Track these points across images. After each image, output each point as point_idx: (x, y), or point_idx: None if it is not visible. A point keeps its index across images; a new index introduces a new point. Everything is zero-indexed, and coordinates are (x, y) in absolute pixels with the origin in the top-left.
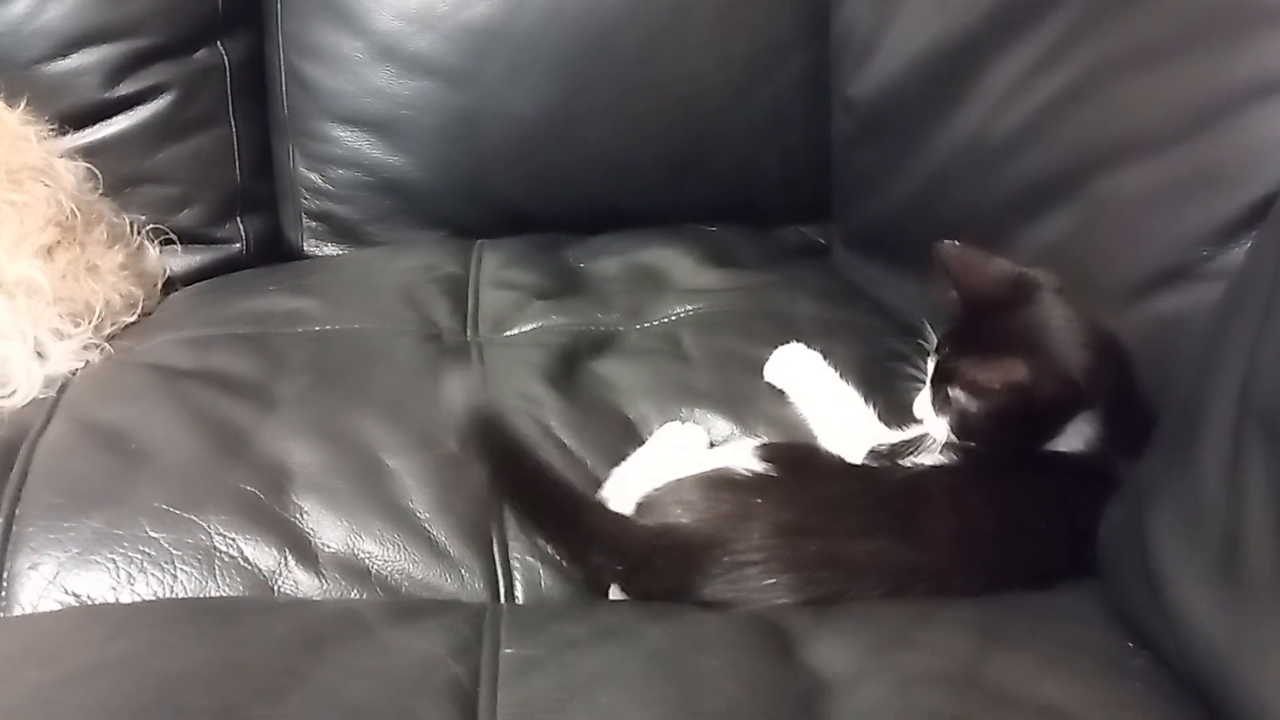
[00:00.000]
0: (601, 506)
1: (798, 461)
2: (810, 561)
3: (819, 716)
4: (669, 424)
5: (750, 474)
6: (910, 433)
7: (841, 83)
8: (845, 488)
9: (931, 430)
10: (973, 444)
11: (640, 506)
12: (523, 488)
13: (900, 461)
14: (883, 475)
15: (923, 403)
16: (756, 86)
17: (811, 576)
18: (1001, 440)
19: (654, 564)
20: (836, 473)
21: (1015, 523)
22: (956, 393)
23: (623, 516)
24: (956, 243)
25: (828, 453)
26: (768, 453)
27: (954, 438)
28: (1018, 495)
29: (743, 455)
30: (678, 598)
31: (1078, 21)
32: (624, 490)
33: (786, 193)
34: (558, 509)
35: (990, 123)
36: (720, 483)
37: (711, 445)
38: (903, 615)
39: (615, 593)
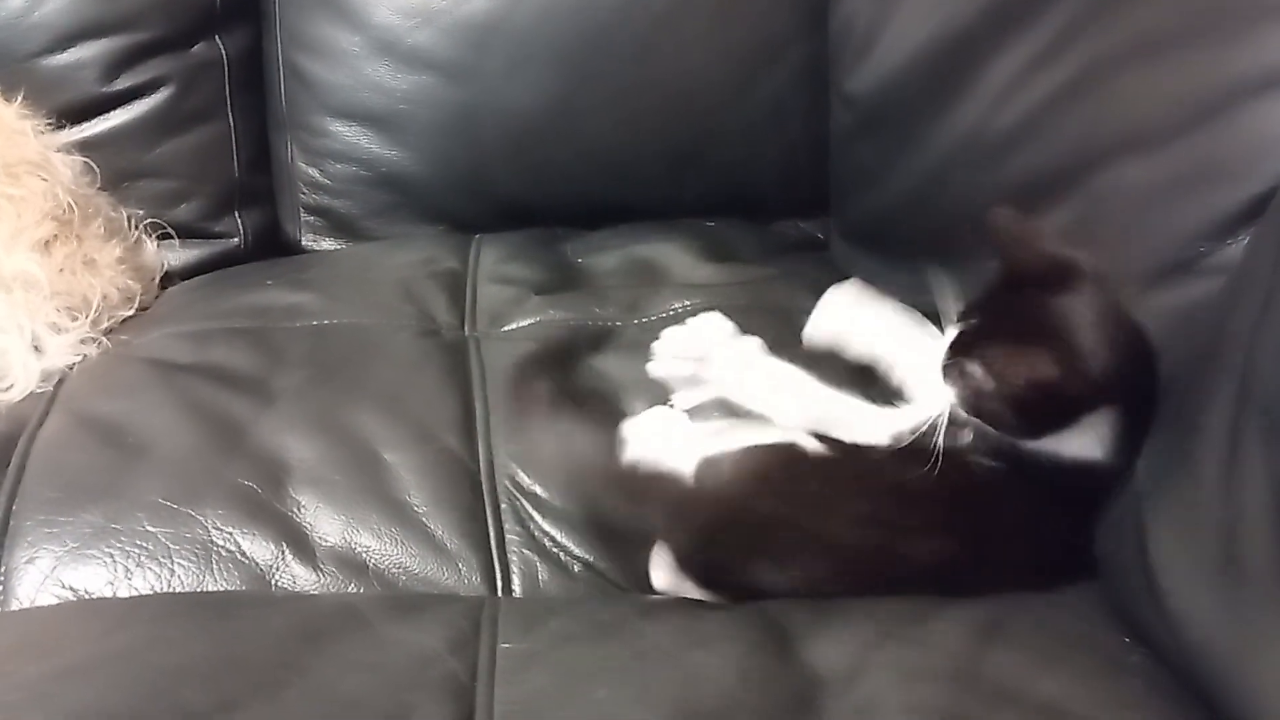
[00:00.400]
0: (670, 477)
1: (850, 446)
2: (870, 555)
3: (816, 712)
4: (648, 412)
5: (821, 453)
6: (917, 414)
7: (840, 77)
8: (903, 477)
9: (931, 397)
10: (978, 421)
11: (708, 464)
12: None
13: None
14: (933, 467)
15: (934, 367)
16: (755, 81)
17: (866, 570)
18: (1010, 426)
19: (717, 538)
20: (892, 460)
21: (1033, 520)
22: (974, 368)
23: (691, 489)
24: (1012, 211)
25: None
26: (822, 435)
27: (959, 411)
28: (1033, 492)
29: (798, 434)
30: (723, 572)
31: (1077, 16)
32: (667, 442)
33: (785, 187)
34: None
35: (989, 118)
36: (798, 458)
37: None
38: (901, 612)
39: (659, 563)
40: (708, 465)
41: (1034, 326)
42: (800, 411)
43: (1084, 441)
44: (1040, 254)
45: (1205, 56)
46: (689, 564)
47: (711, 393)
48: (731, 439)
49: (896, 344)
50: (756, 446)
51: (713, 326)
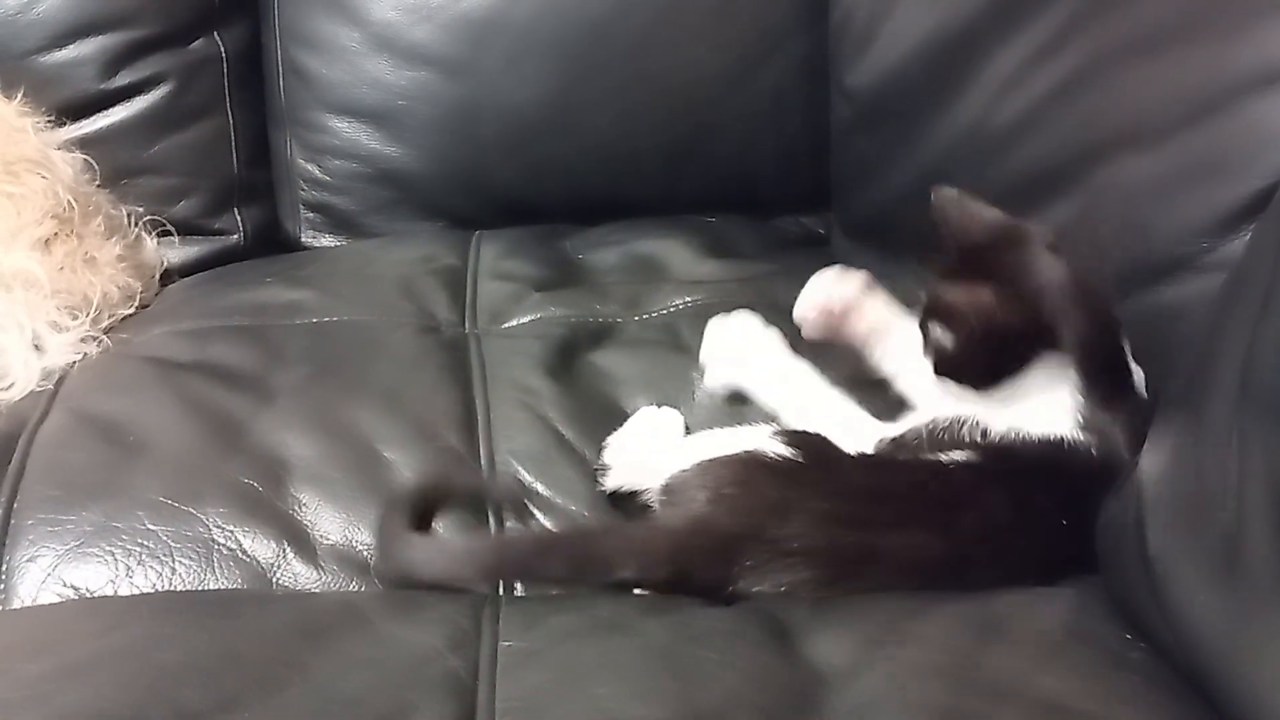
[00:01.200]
0: (619, 527)
1: (821, 448)
2: (849, 554)
3: (817, 709)
4: (644, 409)
5: (782, 458)
6: (910, 421)
7: (841, 71)
8: (875, 477)
9: (920, 376)
10: (950, 380)
11: (668, 489)
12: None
13: (914, 452)
14: (907, 466)
15: (914, 348)
16: (754, 75)
17: (848, 570)
18: (971, 372)
19: (691, 567)
20: (862, 462)
21: (1028, 517)
22: (933, 326)
23: (646, 528)
24: (954, 190)
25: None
26: (789, 439)
27: (937, 380)
28: (1030, 488)
29: (764, 439)
30: (710, 593)
31: (1078, 11)
32: (635, 470)
33: (785, 182)
34: (576, 552)
35: (990, 112)
36: (755, 466)
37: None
38: (900, 608)
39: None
40: (667, 492)
41: (982, 278)
42: (800, 409)
43: (1049, 410)
44: (985, 223)
45: (1206, 52)
46: (665, 590)
47: (731, 380)
48: (690, 454)
49: (898, 354)
50: (713, 461)
51: (746, 323)
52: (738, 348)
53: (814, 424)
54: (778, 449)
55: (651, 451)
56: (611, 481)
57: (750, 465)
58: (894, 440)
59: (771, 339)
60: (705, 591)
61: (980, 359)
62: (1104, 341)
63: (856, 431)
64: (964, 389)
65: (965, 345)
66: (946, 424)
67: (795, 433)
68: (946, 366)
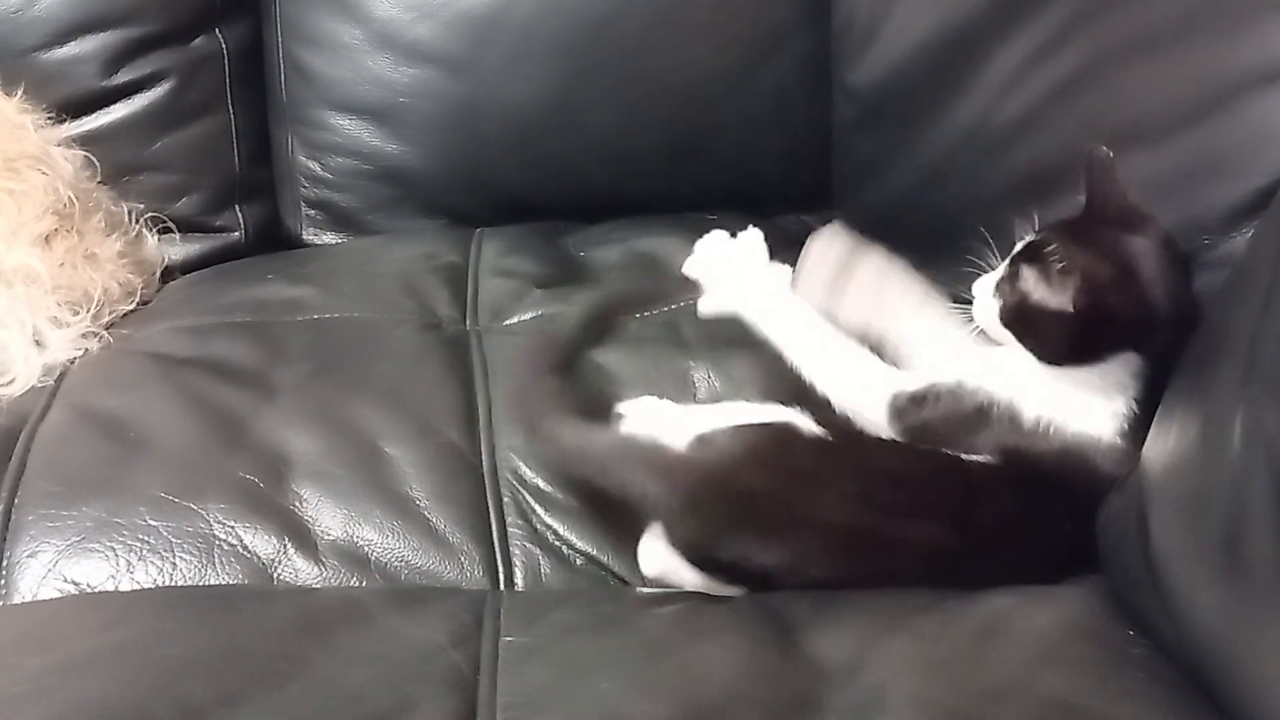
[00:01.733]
0: (659, 446)
1: (851, 431)
2: (867, 537)
3: (819, 707)
4: (643, 398)
5: (816, 435)
6: (927, 378)
7: (842, 70)
8: (902, 464)
9: (978, 313)
10: (1010, 337)
11: (701, 440)
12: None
13: (925, 415)
14: (933, 458)
15: (986, 281)
16: (756, 72)
17: (862, 553)
18: (1042, 340)
19: (709, 508)
20: (891, 448)
21: (1048, 522)
22: (1029, 272)
23: (683, 454)
24: (1109, 152)
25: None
26: (821, 419)
27: (996, 325)
28: (1052, 492)
29: (797, 416)
30: (721, 553)
31: (1079, 10)
32: (662, 421)
33: (787, 180)
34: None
35: (992, 110)
36: (790, 436)
37: None
38: (902, 604)
39: (647, 549)
40: (700, 440)
41: (1098, 249)
42: (807, 350)
43: (1097, 408)
44: (1121, 195)
45: (1208, 50)
46: (678, 536)
47: (731, 305)
48: (726, 417)
49: (897, 314)
50: (750, 424)
51: (751, 243)
52: (742, 276)
53: (826, 371)
54: (811, 426)
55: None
56: (626, 428)
57: (786, 434)
58: (912, 397)
59: (779, 275)
60: (707, 541)
61: (1066, 330)
62: (1174, 349)
63: (871, 382)
64: (1025, 351)
65: (1060, 308)
66: (973, 397)
67: (827, 414)
68: (1022, 320)
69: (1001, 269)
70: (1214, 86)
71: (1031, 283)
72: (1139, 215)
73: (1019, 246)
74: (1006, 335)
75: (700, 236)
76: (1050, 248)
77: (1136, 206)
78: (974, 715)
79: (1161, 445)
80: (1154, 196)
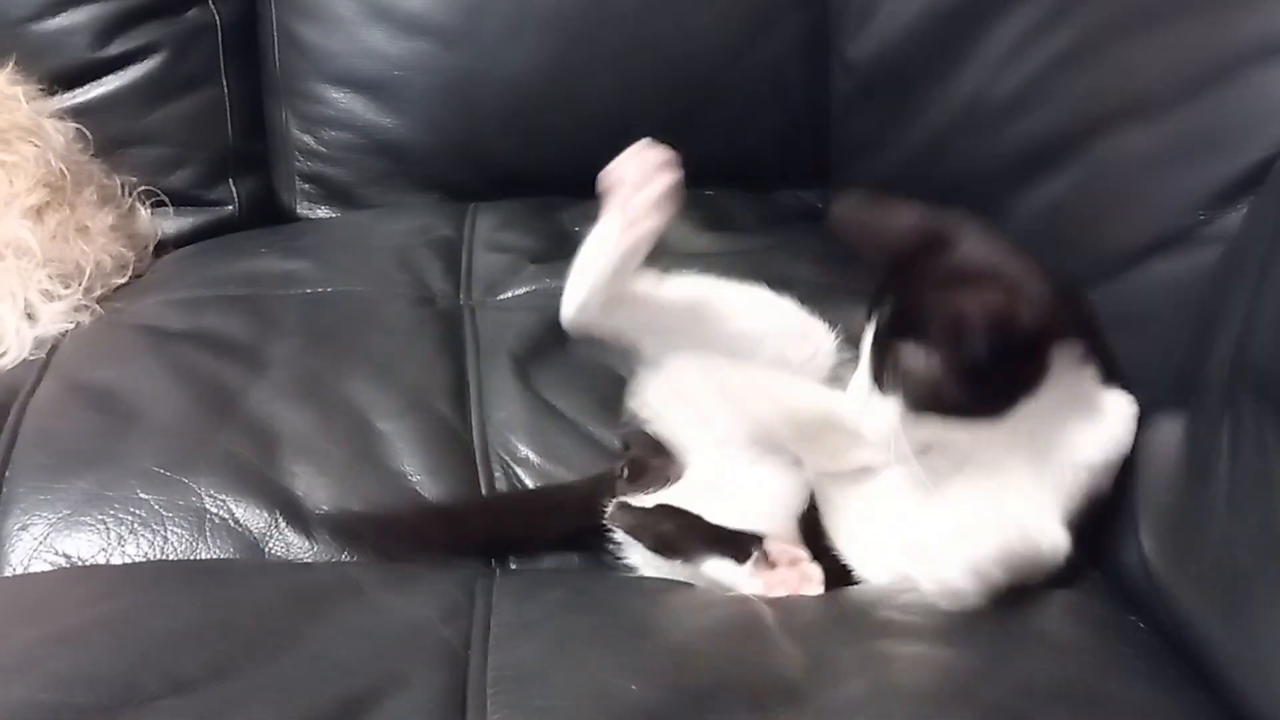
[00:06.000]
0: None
1: None
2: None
3: (804, 698)
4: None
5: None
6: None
7: (842, 44)
8: None
9: (873, 423)
10: (933, 416)
11: None
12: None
13: None
14: None
15: (860, 385)
16: (754, 46)
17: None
18: (975, 394)
19: None
20: None
21: None
22: (908, 350)
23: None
24: (850, 200)
25: None
26: None
27: (906, 417)
28: None
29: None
30: None
31: None
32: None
33: (784, 155)
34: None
35: (990, 84)
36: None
37: None
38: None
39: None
40: None
41: (945, 283)
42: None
43: (1092, 424)
44: (904, 225)
45: (1207, 23)
46: None
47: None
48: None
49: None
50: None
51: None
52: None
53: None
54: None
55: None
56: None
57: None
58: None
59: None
60: None
61: (991, 387)
62: (1086, 316)
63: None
64: (955, 422)
65: (968, 376)
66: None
67: None
68: (931, 402)
69: (864, 368)
70: (1213, 60)
71: (922, 361)
72: (935, 227)
73: (865, 338)
74: (925, 424)
75: (698, 211)
76: (908, 312)
77: (924, 218)
78: (960, 687)
79: (1154, 425)
80: (1150, 171)
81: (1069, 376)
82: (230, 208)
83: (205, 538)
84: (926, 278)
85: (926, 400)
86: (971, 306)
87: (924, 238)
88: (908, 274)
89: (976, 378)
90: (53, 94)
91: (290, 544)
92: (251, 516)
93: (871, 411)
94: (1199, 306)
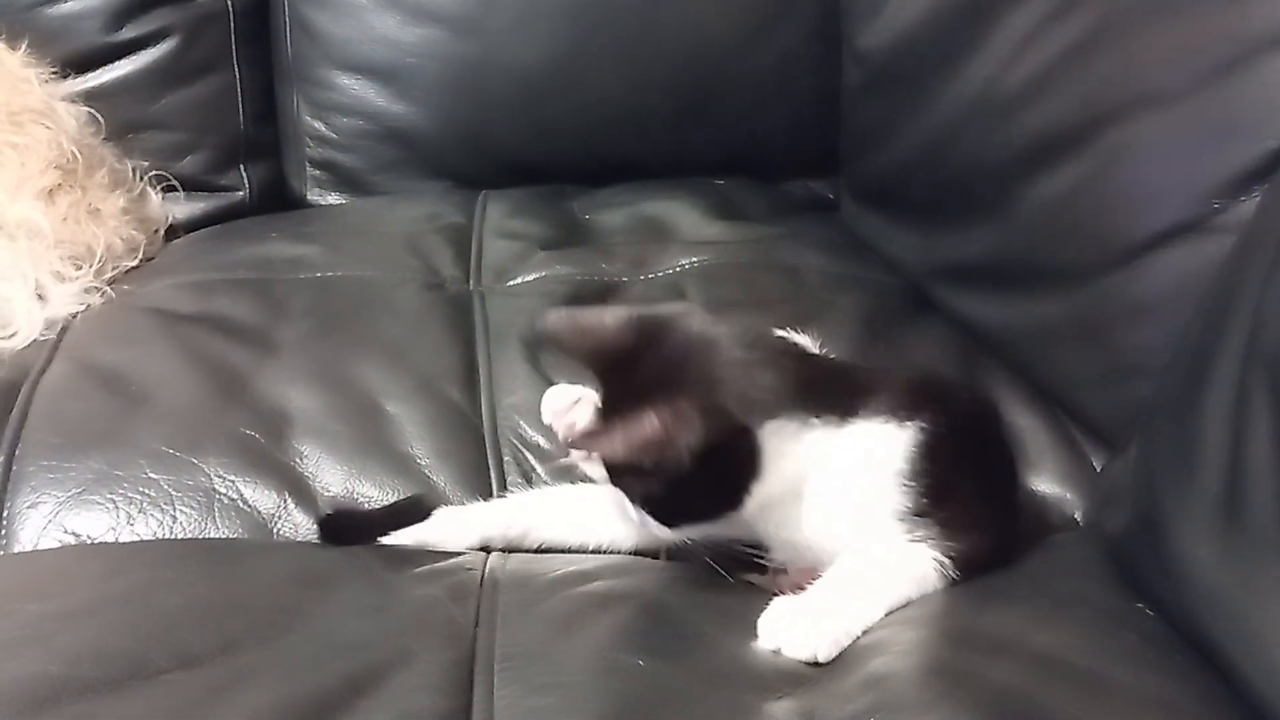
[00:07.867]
0: None
1: None
2: None
3: (812, 680)
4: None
5: None
6: None
7: (852, 33)
8: None
9: (657, 532)
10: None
11: None
12: None
13: None
14: None
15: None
16: (764, 36)
17: None
18: (701, 505)
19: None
20: None
21: None
22: (626, 482)
23: None
24: (559, 312)
25: None
26: None
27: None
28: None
29: None
30: None
31: None
32: None
33: (794, 145)
34: None
35: (1002, 74)
36: None
37: None
38: None
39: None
40: None
41: (633, 395)
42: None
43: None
44: (611, 328)
45: (1220, 12)
46: None
47: None
48: None
49: None
50: None
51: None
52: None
53: None
54: None
55: None
56: None
57: None
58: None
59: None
60: None
61: (694, 484)
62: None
63: None
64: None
65: (659, 496)
66: None
67: None
68: (667, 510)
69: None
70: (1226, 49)
71: (617, 443)
72: (642, 326)
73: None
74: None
75: (708, 200)
76: (615, 406)
77: (632, 318)
78: (968, 669)
79: (1163, 406)
80: (1163, 160)
81: (793, 442)
82: (241, 193)
83: (214, 518)
84: (623, 388)
85: (660, 514)
86: (620, 446)
87: (633, 336)
88: (612, 379)
89: (680, 488)
90: (65, 78)
91: (299, 525)
92: (260, 497)
93: (644, 522)
94: (1211, 296)
